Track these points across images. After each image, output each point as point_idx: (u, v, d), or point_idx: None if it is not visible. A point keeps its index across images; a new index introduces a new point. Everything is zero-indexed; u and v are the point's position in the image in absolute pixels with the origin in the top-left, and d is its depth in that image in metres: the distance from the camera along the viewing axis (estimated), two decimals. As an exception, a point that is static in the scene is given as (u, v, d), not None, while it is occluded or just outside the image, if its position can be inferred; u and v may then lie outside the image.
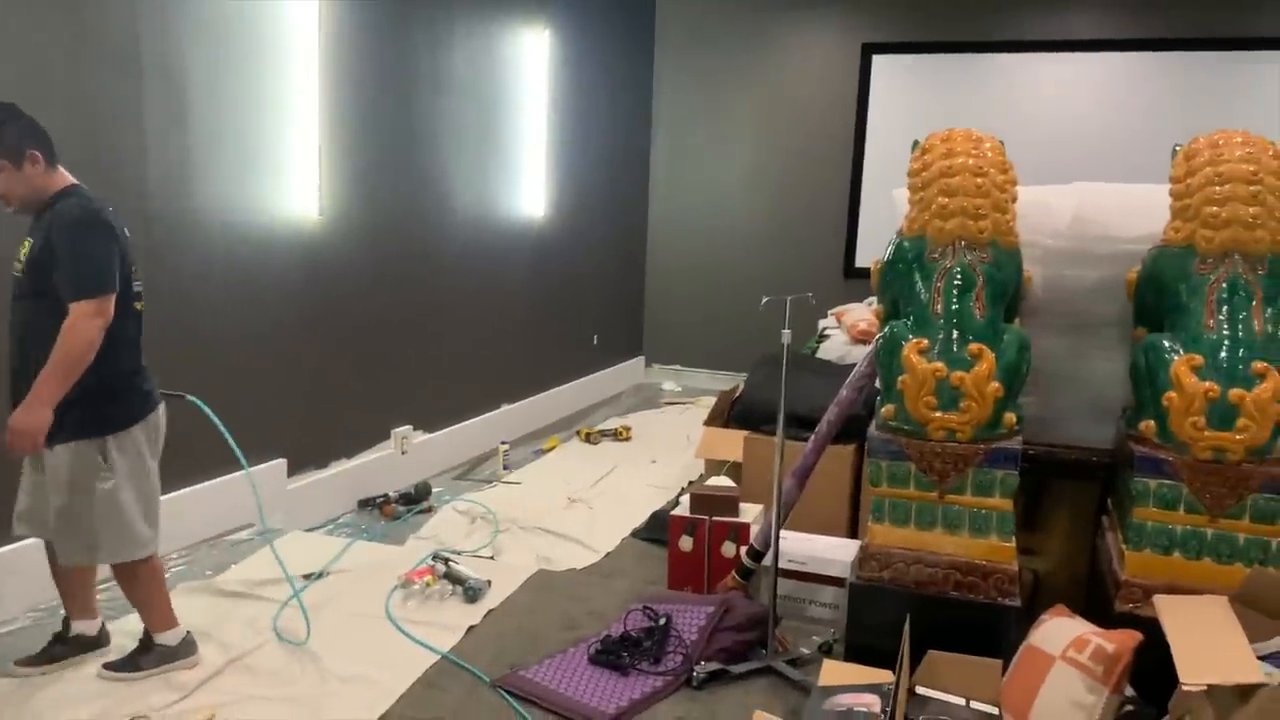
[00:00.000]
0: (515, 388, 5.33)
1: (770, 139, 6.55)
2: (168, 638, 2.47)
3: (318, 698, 2.39)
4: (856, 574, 2.43)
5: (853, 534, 3.39)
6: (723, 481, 3.55)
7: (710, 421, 4.37)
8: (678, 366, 6.96)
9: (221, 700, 2.35)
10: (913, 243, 2.46)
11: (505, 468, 4.63)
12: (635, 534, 3.80)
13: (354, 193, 3.93)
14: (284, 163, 3.57)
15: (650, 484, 4.50)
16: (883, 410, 2.41)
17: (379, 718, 2.30)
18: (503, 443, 4.77)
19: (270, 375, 3.60)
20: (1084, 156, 5.74)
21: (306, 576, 3.08)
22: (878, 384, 2.86)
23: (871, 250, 6.30)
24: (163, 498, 3.14)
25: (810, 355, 4.28)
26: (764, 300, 2.48)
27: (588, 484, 4.43)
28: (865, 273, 6.19)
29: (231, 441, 2.61)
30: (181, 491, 3.23)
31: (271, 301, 3.58)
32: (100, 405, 2.29)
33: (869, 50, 6.21)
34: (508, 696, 2.41)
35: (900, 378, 2.34)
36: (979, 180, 2.38)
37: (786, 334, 2.49)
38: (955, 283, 2.36)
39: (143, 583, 2.44)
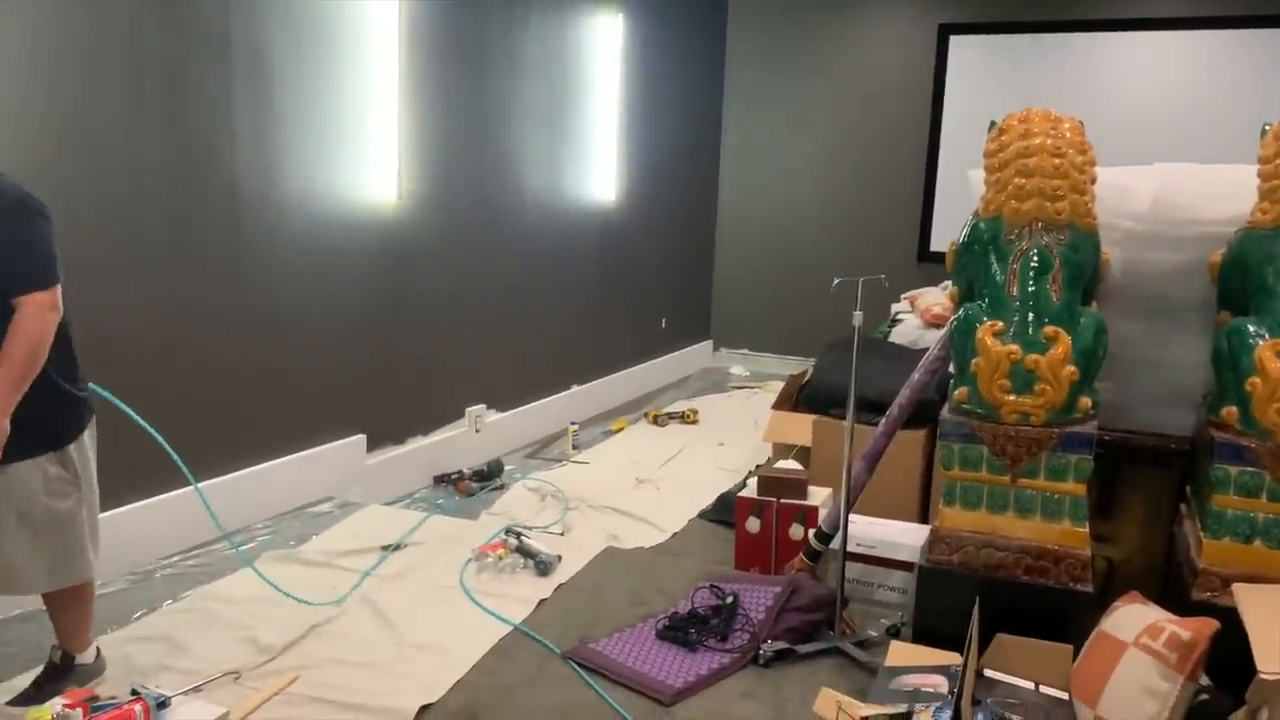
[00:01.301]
0: (584, 369, 5.40)
1: (843, 122, 6.49)
2: (87, 655, 2.26)
3: (395, 664, 2.47)
4: (926, 557, 2.43)
5: (923, 519, 3.37)
6: (791, 465, 3.56)
7: (778, 405, 4.38)
8: (745, 350, 6.95)
9: (304, 664, 2.44)
10: (989, 224, 2.44)
11: (574, 447, 4.71)
12: (702, 515, 3.83)
13: (431, 176, 4.02)
14: (365, 147, 3.67)
15: (717, 466, 4.52)
16: (956, 393, 2.40)
17: (454, 684, 2.37)
18: (572, 423, 4.84)
19: (350, 354, 3.71)
20: (1164, 137, 5.58)
21: (384, 548, 3.18)
22: (950, 368, 2.86)
23: (947, 234, 6.18)
24: (249, 470, 3.31)
25: (882, 339, 4.25)
26: (836, 282, 2.48)
27: (655, 465, 4.48)
28: (940, 257, 6.12)
29: (156, 436, 2.47)
30: (264, 465, 3.37)
31: (352, 282, 3.69)
32: (57, 412, 2.09)
33: (946, 31, 6.11)
34: (577, 667, 2.47)
35: (974, 360, 2.32)
36: (1057, 161, 2.34)
37: (858, 315, 2.49)
38: (1032, 265, 2.34)
39: (83, 603, 2.23)
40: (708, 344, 6.99)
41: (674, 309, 6.44)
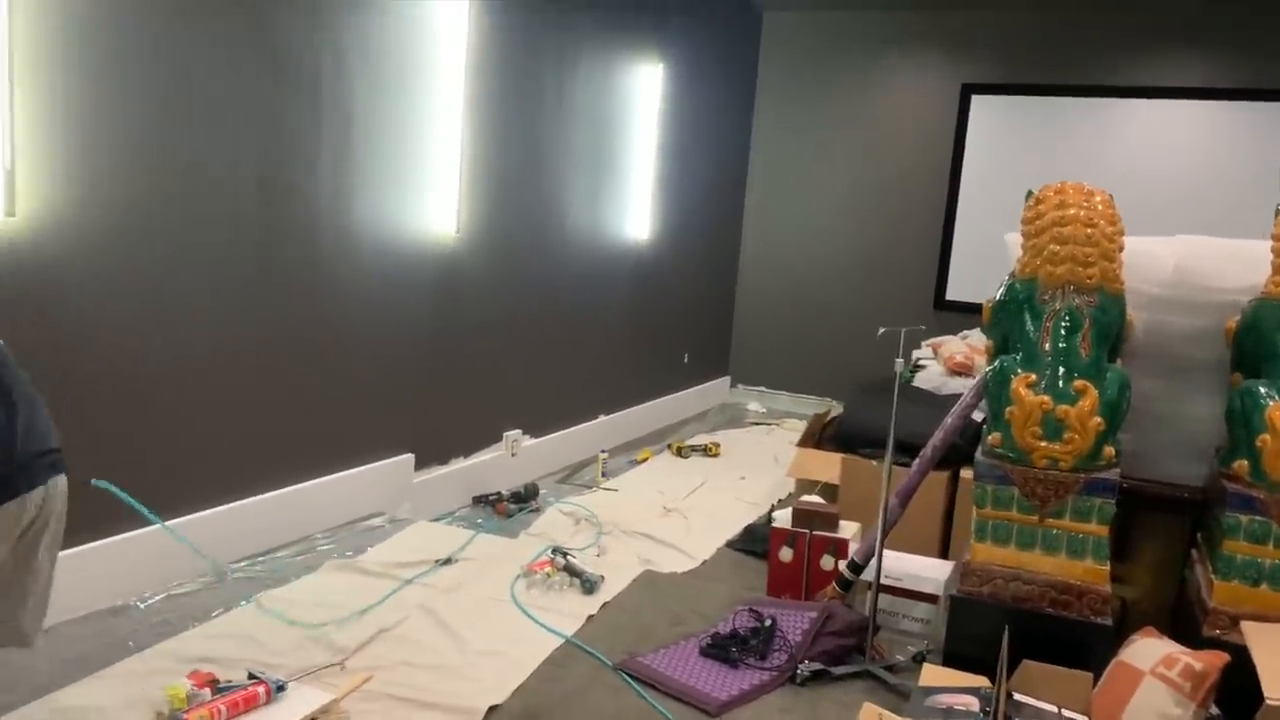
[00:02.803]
0: (612, 400, 5.60)
1: (865, 172, 6.76)
2: None
3: (460, 667, 2.66)
4: (958, 587, 2.63)
5: (944, 554, 3.57)
6: (815, 500, 3.76)
7: (803, 442, 4.59)
8: (762, 388, 7.17)
9: (375, 665, 2.63)
10: (1024, 284, 2.66)
11: (604, 475, 4.90)
12: (730, 544, 4.02)
13: (485, 211, 4.26)
14: (430, 181, 3.90)
15: (740, 499, 4.71)
16: (990, 437, 2.61)
17: (516, 688, 2.56)
18: (602, 451, 5.04)
19: (405, 377, 3.92)
20: (1180, 203, 5.83)
21: (438, 561, 3.37)
22: (975, 415, 3.07)
23: (963, 285, 6.46)
24: (310, 483, 3.51)
25: (906, 384, 4.47)
26: (881, 331, 2.69)
27: (681, 495, 4.67)
28: (956, 305, 6.42)
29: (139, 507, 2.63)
30: (323, 479, 3.56)
31: (410, 311, 3.90)
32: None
33: (968, 90, 6.39)
34: (628, 678, 2.66)
35: (1008, 409, 2.54)
36: (1089, 230, 2.58)
37: (899, 363, 2.70)
38: (1063, 324, 2.56)
39: None
40: (726, 380, 7.20)
41: (696, 345, 6.67)
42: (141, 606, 2.84)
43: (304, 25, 3.23)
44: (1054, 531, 2.54)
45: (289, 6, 3.17)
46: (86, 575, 2.75)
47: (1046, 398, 2.49)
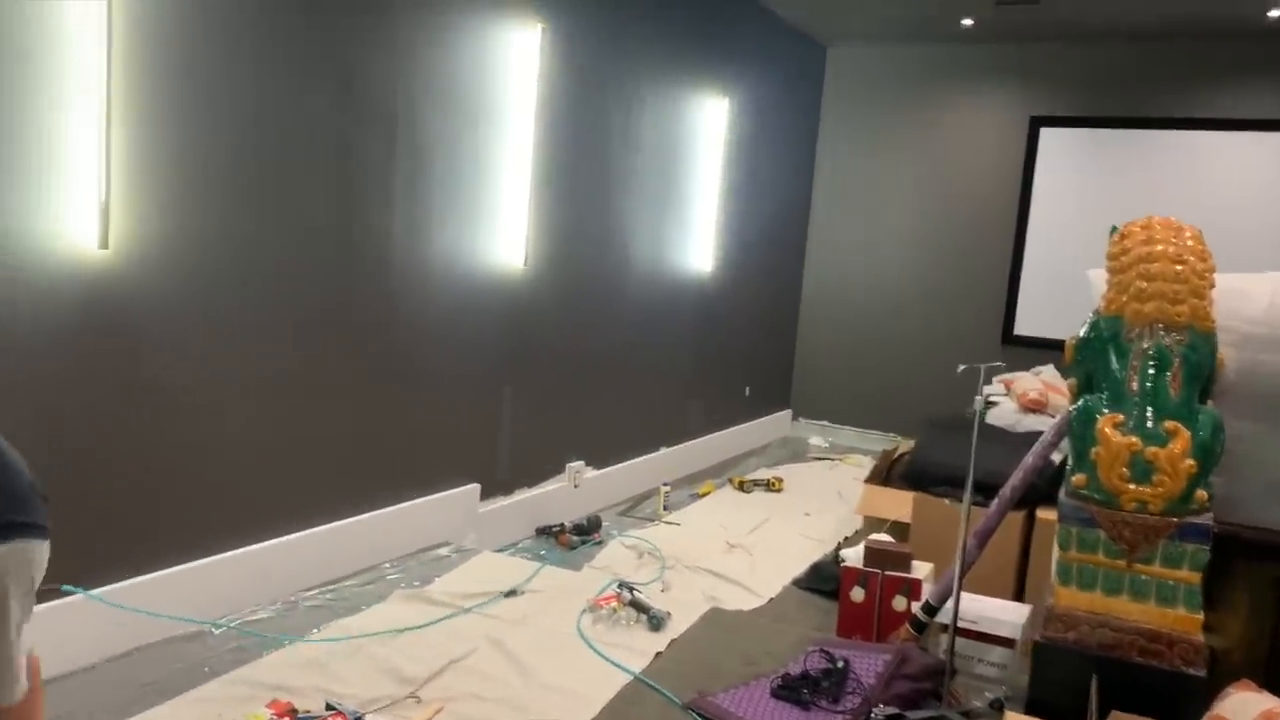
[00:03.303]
0: (673, 432, 5.58)
1: (930, 205, 6.69)
2: None
3: (529, 702, 2.64)
4: (1042, 633, 2.55)
5: (1019, 596, 3.48)
6: (884, 538, 3.69)
7: (871, 479, 4.52)
8: (824, 422, 7.09)
9: (446, 696, 2.62)
10: (1109, 322, 2.59)
11: (665, 508, 4.87)
12: (796, 583, 3.96)
13: (552, 244, 4.29)
14: (499, 215, 3.94)
15: (805, 535, 4.65)
16: (1074, 478, 2.53)
17: (586, 724, 2.54)
18: (664, 484, 5.01)
19: (472, 407, 3.95)
20: (1262, 239, 5.67)
21: (505, 593, 3.37)
22: (1053, 456, 2.99)
23: (1032, 320, 6.34)
24: (380, 511, 3.54)
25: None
26: (961, 368, 2.64)
27: (744, 530, 4.62)
28: (1025, 341, 6.29)
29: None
30: (392, 508, 3.59)
31: (479, 342, 3.94)
32: None
33: (1037, 123, 6.31)
34: (699, 718, 2.62)
35: (1094, 449, 2.47)
36: (1178, 267, 2.50)
37: (979, 400, 2.65)
38: (1151, 362, 2.49)
39: None
40: (787, 413, 7.14)
41: (757, 378, 6.62)
42: (216, 632, 2.88)
43: (380, 62, 3.30)
44: (1143, 577, 2.45)
45: (367, 44, 3.24)
46: (162, 601, 2.79)
47: (1135, 439, 2.41)
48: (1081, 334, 2.66)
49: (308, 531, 3.25)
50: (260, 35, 2.89)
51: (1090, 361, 2.62)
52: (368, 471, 3.47)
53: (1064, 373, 2.83)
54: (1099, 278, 2.74)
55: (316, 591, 3.24)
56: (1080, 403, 2.57)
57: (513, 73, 3.91)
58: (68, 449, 2.55)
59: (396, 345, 3.54)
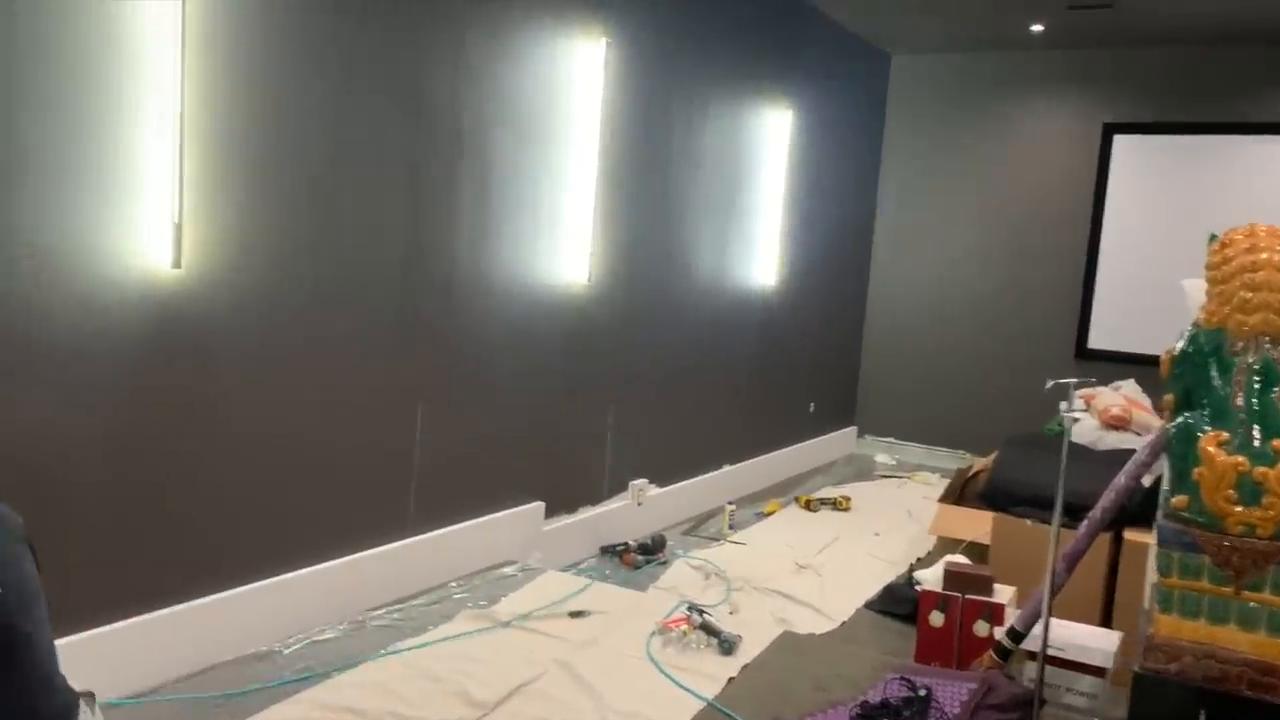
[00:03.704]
0: (737, 449, 5.49)
1: (999, 215, 6.52)
2: None
3: (601, 728, 2.57)
4: (1141, 663, 2.41)
5: (1106, 622, 3.32)
6: (960, 560, 3.56)
7: (945, 499, 4.38)
8: (890, 439, 6.93)
9: (515, 720, 2.57)
10: (1210, 335, 2.46)
11: (731, 527, 4.77)
12: (868, 605, 3.84)
13: (615, 259, 4.24)
14: (563, 231, 3.91)
15: (875, 556, 4.52)
16: (1174, 500, 2.40)
17: (659, 753, 2.46)
18: (729, 503, 4.92)
19: (537, 424, 3.91)
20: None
21: (571, 614, 3.30)
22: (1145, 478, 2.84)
23: (1107, 333, 6.14)
24: (447, 530, 3.50)
25: (1058, 438, 4.22)
26: (1049, 384, 2.53)
27: (813, 551, 4.50)
28: (1099, 355, 6.08)
29: None
30: (458, 526, 3.56)
31: (544, 358, 3.90)
32: None
33: (1111, 130, 6.12)
34: (775, 748, 2.52)
35: (1196, 469, 2.33)
36: (1285, 276, 2.36)
37: (1068, 419, 2.53)
38: (1257, 378, 2.35)
39: None
40: (852, 430, 7.00)
41: (821, 394, 6.50)
42: (285, 652, 2.86)
43: (449, 79, 3.29)
44: (1252, 605, 2.31)
45: (436, 61, 3.23)
46: (233, 620, 2.78)
47: (1242, 458, 2.27)
48: (1179, 347, 2.52)
49: (375, 550, 3.22)
50: (331, 53, 2.89)
51: (1189, 376, 2.48)
52: (434, 488, 3.45)
53: (1161, 388, 2.69)
54: (1196, 288, 2.60)
55: (383, 611, 3.21)
56: (1179, 420, 2.43)
57: (577, 87, 3.88)
58: (137, 467, 2.55)
59: (462, 362, 3.51)
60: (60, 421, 2.36)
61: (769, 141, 5.37)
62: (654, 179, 4.46)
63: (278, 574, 2.92)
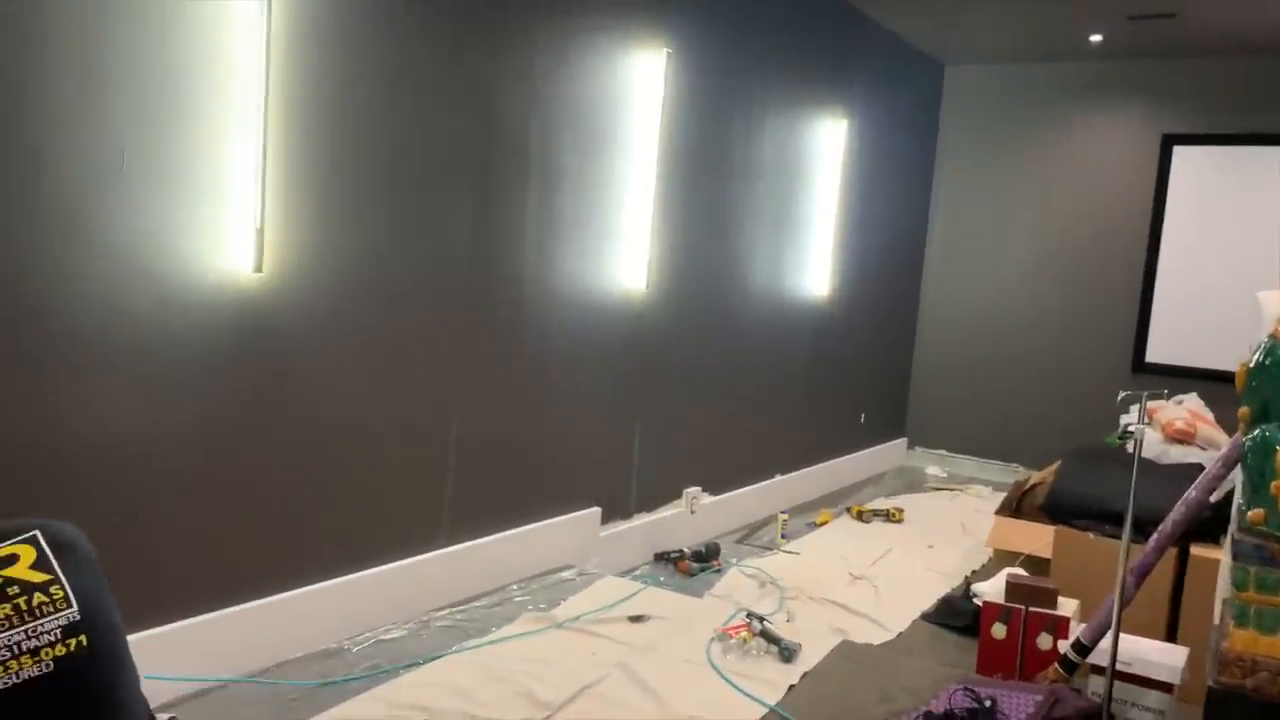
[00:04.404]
0: (789, 459, 5.48)
1: (1055, 226, 6.46)
2: None
3: (665, 732, 2.59)
4: (1215, 679, 2.38)
5: (1170, 637, 3.28)
6: (1019, 572, 3.52)
7: (1001, 511, 4.34)
8: (942, 451, 6.87)
9: (580, 722, 2.60)
10: (1287, 347, 2.43)
11: (783, 536, 4.77)
12: (925, 617, 3.82)
13: (672, 267, 4.27)
14: (623, 238, 3.95)
15: (930, 568, 4.49)
16: (1250, 514, 2.37)
17: (724, 758, 2.47)
18: (782, 512, 4.92)
19: (595, 429, 3.95)
20: None
21: (631, 619, 3.33)
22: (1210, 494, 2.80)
23: (1166, 346, 6.05)
24: (508, 533, 3.54)
25: (1119, 451, 4.18)
26: (1121, 395, 2.51)
27: (867, 562, 4.49)
28: (1157, 368, 6.00)
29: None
30: (518, 530, 3.60)
31: (603, 365, 3.94)
32: None
33: (1170, 141, 6.04)
34: (840, 756, 2.53)
35: (1273, 483, 2.30)
36: (1366, 288, 2.33)
37: (1141, 429, 2.51)
38: (1336, 390, 2.32)
39: None
40: (902, 442, 6.95)
41: (872, 405, 6.48)
42: (353, 650, 2.91)
43: (515, 90, 3.35)
44: (1330, 622, 2.27)
45: (505, 74, 3.29)
46: (303, 617, 2.84)
47: (1321, 472, 2.25)
48: (1255, 359, 2.49)
49: (439, 551, 3.27)
50: (407, 63, 2.96)
51: (1266, 389, 2.45)
52: (496, 492, 3.49)
53: (1225, 402, 2.66)
54: (1272, 300, 2.57)
55: (447, 611, 3.26)
56: (1256, 433, 2.40)
57: (638, 98, 3.93)
58: (216, 467, 2.62)
59: (525, 366, 3.56)
60: (144, 420, 2.43)
61: (824, 150, 5.38)
62: (711, 187, 4.49)
63: (346, 574, 2.98)
